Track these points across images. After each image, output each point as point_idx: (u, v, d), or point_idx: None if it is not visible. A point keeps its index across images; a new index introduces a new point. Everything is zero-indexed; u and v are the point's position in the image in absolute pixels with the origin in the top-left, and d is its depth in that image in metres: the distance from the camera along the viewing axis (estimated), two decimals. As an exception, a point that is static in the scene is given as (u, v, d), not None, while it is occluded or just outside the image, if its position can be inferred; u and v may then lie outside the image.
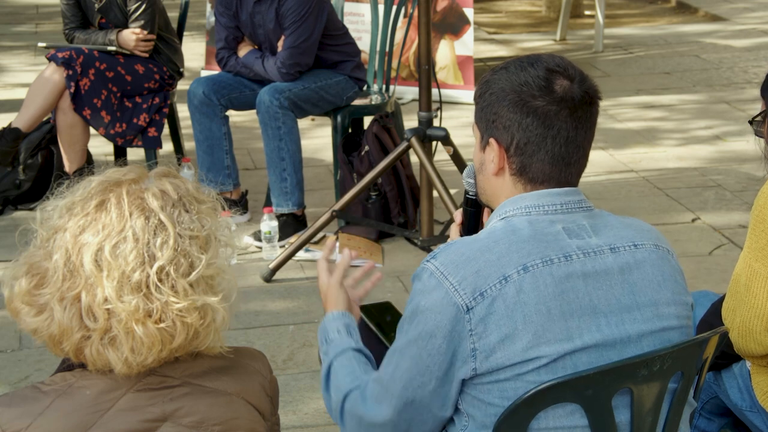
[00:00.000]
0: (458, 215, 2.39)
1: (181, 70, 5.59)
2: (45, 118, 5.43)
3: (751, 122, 2.69)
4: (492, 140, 2.07)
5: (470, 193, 2.33)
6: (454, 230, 2.39)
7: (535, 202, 2.04)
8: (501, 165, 2.07)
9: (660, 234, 2.14)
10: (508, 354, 1.92)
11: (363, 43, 6.06)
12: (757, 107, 2.87)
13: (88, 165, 5.36)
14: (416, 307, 1.99)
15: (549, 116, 2.02)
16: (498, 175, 2.08)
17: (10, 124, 5.29)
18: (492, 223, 2.08)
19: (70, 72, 5.17)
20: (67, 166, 5.37)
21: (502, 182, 2.08)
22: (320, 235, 4.84)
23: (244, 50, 5.16)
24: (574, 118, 2.03)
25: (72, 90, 5.17)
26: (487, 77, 2.10)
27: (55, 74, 5.20)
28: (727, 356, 2.69)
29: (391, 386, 2.03)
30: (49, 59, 5.25)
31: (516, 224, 2.02)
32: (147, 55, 5.40)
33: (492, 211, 2.13)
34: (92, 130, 5.39)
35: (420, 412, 2.01)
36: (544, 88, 2.02)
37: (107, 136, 5.35)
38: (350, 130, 5.28)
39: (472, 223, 2.34)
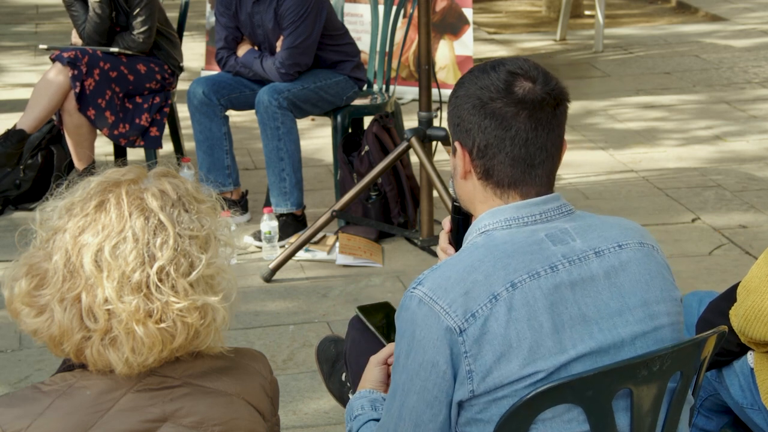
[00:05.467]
0: (447, 223, 2.38)
1: (181, 64, 5.60)
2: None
3: None
4: (457, 144, 2.07)
5: (457, 201, 2.33)
6: (443, 237, 2.38)
7: (514, 215, 2.02)
8: (467, 168, 2.06)
9: (644, 230, 2.12)
10: (506, 373, 1.90)
11: (362, 43, 6.06)
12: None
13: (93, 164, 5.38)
14: (411, 338, 1.95)
15: (506, 118, 2.00)
16: (466, 179, 2.07)
17: (15, 126, 5.29)
18: (472, 237, 2.05)
19: (76, 72, 5.17)
20: (77, 164, 5.39)
21: (472, 186, 2.07)
22: (320, 235, 4.84)
23: (243, 50, 5.16)
24: (534, 119, 2.01)
25: (77, 90, 5.17)
26: (457, 82, 2.10)
27: (60, 75, 5.20)
28: (728, 353, 2.70)
29: (400, 427, 1.98)
30: (54, 59, 5.25)
31: (498, 239, 1.99)
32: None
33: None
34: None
35: None
36: (502, 90, 2.01)
37: (111, 136, 5.36)
38: (350, 130, 5.28)
39: (461, 230, 2.33)
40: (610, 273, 2.00)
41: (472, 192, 2.08)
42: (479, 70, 2.06)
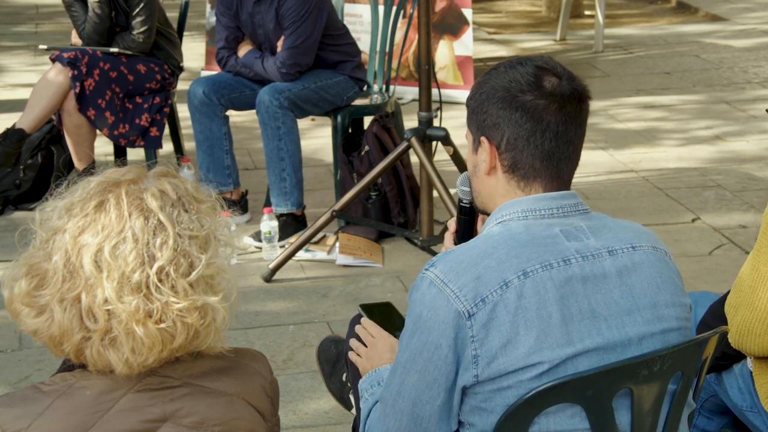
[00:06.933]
0: (452, 224, 2.39)
1: (181, 64, 5.61)
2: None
3: None
4: (483, 139, 2.07)
5: (464, 201, 2.33)
6: (448, 238, 2.39)
7: (532, 206, 2.03)
8: (493, 164, 2.06)
9: (656, 236, 2.14)
10: (511, 359, 1.91)
11: (362, 43, 6.06)
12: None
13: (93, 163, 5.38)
14: (418, 318, 1.96)
15: (537, 110, 2.02)
16: (490, 175, 2.08)
17: (14, 125, 5.29)
18: (489, 227, 2.06)
19: (76, 72, 5.17)
20: (77, 164, 5.40)
21: (495, 181, 2.08)
22: (320, 235, 4.84)
23: (243, 50, 5.16)
24: (563, 113, 2.03)
25: (77, 90, 5.17)
26: (479, 80, 2.11)
27: (59, 75, 5.20)
28: (728, 357, 2.69)
29: (398, 404, 2.00)
30: (54, 60, 5.25)
31: (513, 229, 2.01)
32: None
33: (486, 217, 2.12)
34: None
35: (426, 430, 1.98)
36: (532, 83, 2.03)
37: (111, 137, 5.36)
38: (350, 130, 5.28)
39: (466, 231, 2.33)
40: (623, 272, 2.01)
41: (495, 187, 2.08)
42: (505, 65, 2.07)
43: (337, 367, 3.11)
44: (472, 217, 2.34)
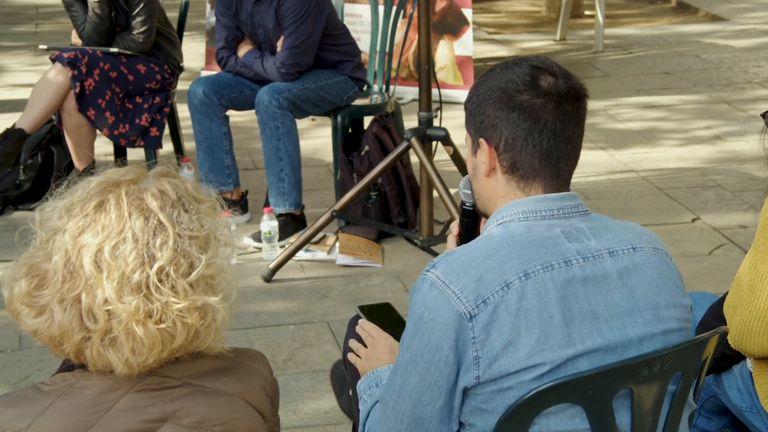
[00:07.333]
0: (455, 226, 2.39)
1: (181, 64, 5.61)
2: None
3: (764, 115, 2.66)
4: (482, 141, 2.07)
5: (467, 204, 2.33)
6: (451, 241, 2.39)
7: (532, 208, 2.03)
8: (492, 165, 2.06)
9: (657, 237, 2.14)
10: (512, 360, 1.91)
11: (362, 43, 6.06)
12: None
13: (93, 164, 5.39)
14: (419, 319, 1.96)
15: (534, 109, 2.01)
16: (490, 176, 2.08)
17: (14, 125, 5.29)
18: (489, 228, 2.06)
19: (76, 72, 5.17)
20: (77, 164, 5.40)
21: (495, 183, 2.08)
22: (320, 235, 4.84)
23: (243, 50, 5.16)
24: (561, 111, 2.03)
25: (77, 90, 5.17)
26: (476, 82, 2.11)
27: (59, 75, 5.20)
28: (728, 358, 2.69)
29: (399, 405, 2.00)
30: (54, 60, 5.25)
31: (514, 230, 2.01)
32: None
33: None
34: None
35: (427, 431, 1.99)
36: (529, 83, 2.03)
37: (111, 137, 5.36)
38: (350, 130, 5.28)
39: (469, 234, 2.33)
40: (623, 273, 2.01)
41: (495, 188, 2.08)
42: (501, 67, 2.07)
43: (345, 383, 3.12)
44: (476, 220, 2.34)
